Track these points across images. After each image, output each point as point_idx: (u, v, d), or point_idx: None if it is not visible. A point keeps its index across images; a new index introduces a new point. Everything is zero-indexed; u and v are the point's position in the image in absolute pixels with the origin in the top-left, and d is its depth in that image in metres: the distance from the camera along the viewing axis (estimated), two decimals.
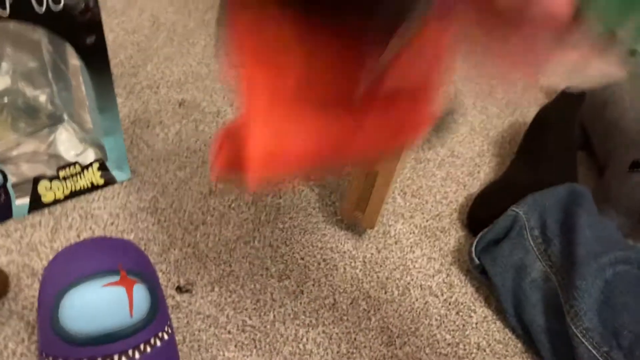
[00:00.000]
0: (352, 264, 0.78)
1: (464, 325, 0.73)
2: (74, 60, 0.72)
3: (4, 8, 0.61)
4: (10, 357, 0.61)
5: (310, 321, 0.70)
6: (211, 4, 1.20)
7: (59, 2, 0.64)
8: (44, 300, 0.52)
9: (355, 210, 0.77)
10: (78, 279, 0.51)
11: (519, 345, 0.72)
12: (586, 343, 0.63)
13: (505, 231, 0.74)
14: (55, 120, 0.84)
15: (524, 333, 0.71)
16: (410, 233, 0.83)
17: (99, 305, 0.50)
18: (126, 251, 0.55)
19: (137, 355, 0.51)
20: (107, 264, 0.52)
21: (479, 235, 0.75)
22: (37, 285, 0.68)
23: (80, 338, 0.49)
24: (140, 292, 0.52)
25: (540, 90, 1.17)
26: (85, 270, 0.51)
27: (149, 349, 0.52)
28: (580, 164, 0.96)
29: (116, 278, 0.51)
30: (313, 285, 0.74)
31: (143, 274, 0.53)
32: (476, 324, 0.74)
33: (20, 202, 0.74)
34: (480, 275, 0.76)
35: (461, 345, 0.71)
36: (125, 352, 0.51)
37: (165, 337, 0.54)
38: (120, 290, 0.51)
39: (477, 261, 0.74)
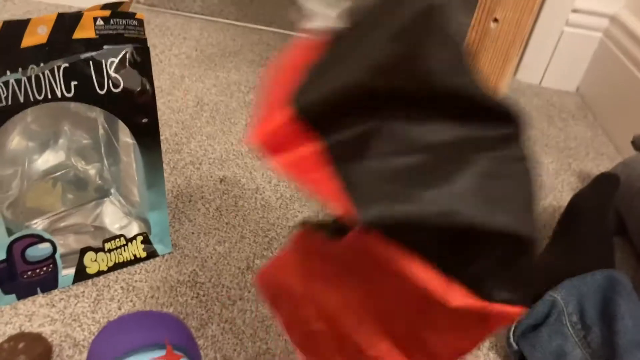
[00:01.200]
0: None
1: None
2: (126, 138, 0.77)
3: (69, 92, 0.66)
4: None
5: None
6: (252, 85, 1.26)
7: (119, 86, 0.69)
8: None
9: None
10: (126, 353, 0.52)
11: None
12: None
13: (544, 316, 0.73)
14: (102, 194, 0.87)
15: None
16: None
17: None
18: (171, 325, 0.56)
19: None
20: (154, 338, 0.53)
21: (517, 320, 0.75)
22: (78, 357, 0.69)
23: None
24: None
25: (573, 174, 1.19)
26: (132, 344, 0.52)
27: None
28: (617, 250, 0.95)
29: (162, 352, 0.52)
30: None
31: (187, 349, 0.54)
32: None
33: (66, 273, 0.76)
34: None
35: None
36: None
37: None
38: None
39: (515, 347, 0.73)
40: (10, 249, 0.70)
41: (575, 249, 0.86)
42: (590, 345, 0.71)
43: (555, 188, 1.13)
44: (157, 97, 1.14)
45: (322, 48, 0.38)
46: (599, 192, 0.93)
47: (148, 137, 0.74)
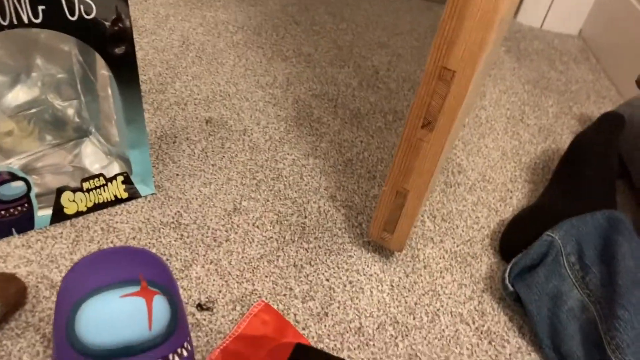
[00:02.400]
0: (379, 288, 0.75)
1: (496, 356, 0.69)
2: (103, 71, 0.72)
3: (37, 17, 0.61)
4: None
5: (335, 345, 0.67)
6: (240, 25, 1.20)
7: (91, 12, 0.64)
8: (60, 310, 0.49)
9: (383, 231, 0.75)
10: (96, 289, 0.48)
11: None
12: None
13: (541, 257, 0.71)
14: (81, 133, 0.83)
15: None
16: (440, 258, 0.80)
17: (117, 316, 0.47)
18: (148, 262, 0.52)
19: None
20: (128, 274, 0.50)
21: (512, 261, 0.72)
22: (54, 298, 0.66)
23: (96, 351, 0.47)
24: (160, 305, 0.49)
25: (574, 117, 1.14)
26: (104, 280, 0.49)
27: None
28: (618, 192, 0.92)
29: (136, 288, 0.49)
30: (338, 307, 0.71)
31: (164, 286, 0.51)
32: (509, 355, 0.70)
33: (43, 213, 0.73)
34: (514, 303, 0.72)
35: None
36: None
37: (185, 353, 0.51)
38: (140, 302, 0.49)
39: (510, 288, 0.70)
40: None
41: (576, 190, 0.83)
42: (588, 286, 0.68)
43: (555, 131, 1.09)
44: (140, 36, 1.09)
45: None
46: (603, 132, 0.89)
47: (125, 69, 0.69)
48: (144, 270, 0.51)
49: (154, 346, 0.49)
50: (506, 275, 0.71)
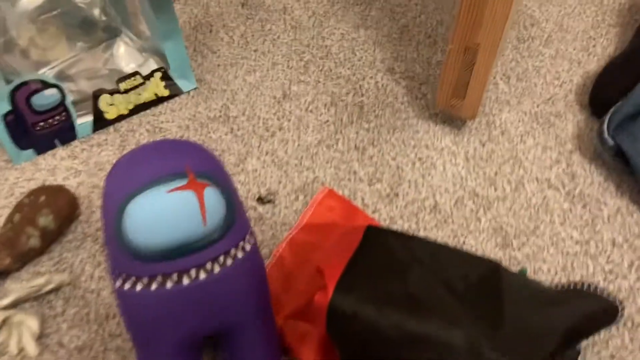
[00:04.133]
0: (453, 161, 0.67)
1: (593, 220, 0.62)
2: None
3: None
4: (87, 280, 0.57)
5: (410, 226, 0.61)
6: None
7: None
8: (107, 215, 0.45)
9: (452, 98, 0.66)
10: (140, 187, 0.43)
11: None
12: None
13: None
14: (111, 34, 0.77)
15: None
16: (519, 121, 0.71)
17: (166, 214, 0.43)
18: (193, 152, 0.47)
19: (216, 269, 0.44)
20: (172, 167, 0.44)
21: (611, 110, 0.62)
22: None
23: (150, 253, 0.43)
24: (212, 197, 0.44)
25: None
26: (148, 176, 0.44)
27: (229, 262, 0.45)
28: None
29: (183, 182, 0.44)
30: (409, 187, 0.65)
31: (215, 176, 0.46)
32: (608, 217, 0.62)
33: (83, 121, 0.68)
34: (612, 158, 0.63)
35: (592, 243, 0.60)
36: (203, 266, 0.44)
37: (248, 247, 0.47)
38: (189, 195, 0.43)
39: (611, 142, 0.61)
40: (13, 98, 0.62)
41: None
42: None
43: None
44: None
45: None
46: None
47: None
48: (189, 161, 0.46)
49: (212, 242, 0.44)
50: (604, 127, 0.62)
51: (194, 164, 0.46)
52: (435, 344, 0.40)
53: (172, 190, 0.43)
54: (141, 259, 0.43)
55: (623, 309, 0.46)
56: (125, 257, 0.44)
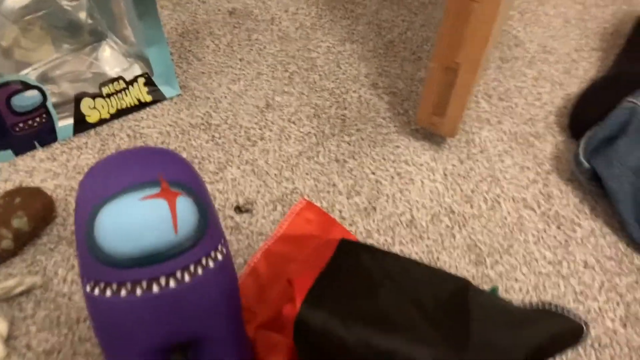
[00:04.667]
0: (431, 177, 0.68)
1: (566, 241, 0.63)
2: None
3: None
4: (60, 283, 0.57)
5: (385, 240, 0.62)
6: None
7: None
8: (79, 219, 0.45)
9: (433, 115, 0.67)
10: (113, 194, 0.43)
11: (636, 260, 0.61)
12: None
13: (621, 126, 0.61)
14: (97, 37, 0.77)
15: None
16: (499, 140, 0.72)
17: (138, 221, 0.43)
18: (167, 160, 0.47)
19: (186, 278, 0.44)
20: (146, 175, 0.45)
21: (587, 134, 0.63)
22: None
23: (120, 259, 0.43)
24: (185, 205, 0.44)
25: None
26: (121, 183, 0.44)
27: (200, 271, 0.45)
28: None
29: (156, 190, 0.44)
30: (387, 201, 0.65)
31: (188, 186, 0.46)
32: (582, 239, 0.63)
33: (64, 123, 0.68)
34: (587, 181, 0.64)
35: (565, 264, 0.61)
36: (173, 274, 0.44)
37: (220, 257, 0.47)
38: (162, 204, 0.43)
39: (586, 164, 0.62)
40: None
41: None
42: None
43: None
44: None
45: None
46: None
47: None
48: (164, 170, 0.46)
49: (183, 251, 0.44)
50: (580, 150, 0.63)
51: (168, 172, 0.46)
52: None
53: (144, 198, 0.43)
54: (111, 265, 0.43)
55: (588, 328, 0.46)
56: (95, 262, 0.44)
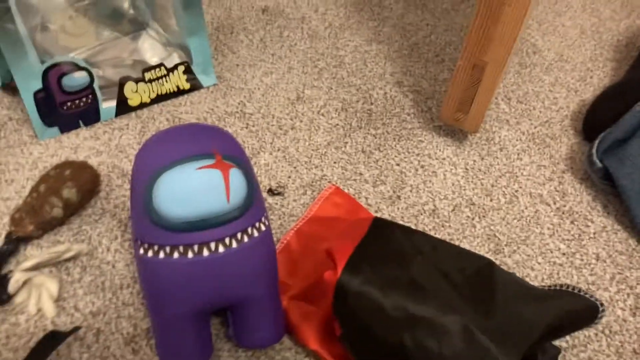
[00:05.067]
0: (453, 171, 0.71)
1: (580, 235, 0.66)
2: None
3: None
4: (104, 252, 0.60)
5: (409, 227, 0.65)
6: None
7: None
8: (136, 185, 0.49)
9: (457, 112, 0.71)
10: (172, 162, 0.47)
11: None
12: None
13: (634, 129, 0.65)
14: (138, 26, 0.81)
15: None
16: (517, 140, 0.76)
17: (194, 188, 0.46)
18: (220, 137, 0.51)
19: (234, 244, 0.48)
20: (202, 148, 0.48)
21: (601, 135, 0.67)
22: (127, 186, 0.66)
23: (175, 223, 0.46)
24: (237, 177, 0.48)
25: None
26: (179, 154, 0.48)
27: (246, 239, 0.49)
28: None
29: (212, 161, 0.48)
30: (411, 191, 0.69)
31: (239, 160, 0.50)
32: (594, 233, 0.67)
33: (107, 105, 0.72)
34: (600, 180, 0.68)
35: (577, 256, 0.64)
36: (222, 240, 0.47)
37: (263, 228, 0.50)
38: (216, 174, 0.47)
39: (599, 164, 0.66)
40: (45, 77, 0.66)
41: None
42: None
43: None
44: None
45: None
46: None
47: None
48: (217, 144, 0.50)
49: (233, 219, 0.48)
50: (594, 150, 0.66)
51: (221, 146, 0.50)
52: (433, 326, 0.44)
53: (201, 168, 0.47)
54: (167, 228, 0.47)
55: (603, 310, 0.50)
56: (151, 226, 0.47)
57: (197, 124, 0.52)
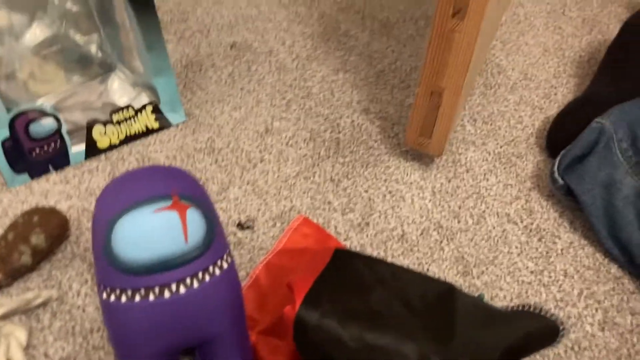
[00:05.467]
0: (421, 195, 0.72)
1: (547, 252, 0.67)
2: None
3: None
4: (75, 297, 0.60)
5: (378, 253, 0.66)
6: None
7: None
8: (96, 231, 0.50)
9: (420, 136, 0.72)
10: (129, 206, 0.48)
11: (613, 270, 0.65)
12: None
13: (591, 145, 0.66)
14: (106, 69, 0.82)
15: (621, 254, 0.64)
16: (483, 160, 0.77)
17: (151, 231, 0.47)
18: (178, 177, 0.52)
19: (195, 284, 0.48)
20: (159, 190, 0.49)
21: (561, 153, 0.68)
22: None
23: (135, 267, 0.47)
24: (194, 217, 0.49)
25: (621, 4, 1.06)
26: (136, 197, 0.49)
27: (207, 278, 0.49)
28: None
29: (168, 203, 0.48)
30: (379, 217, 0.70)
31: (196, 199, 0.50)
32: (561, 250, 0.67)
33: (77, 149, 0.73)
34: (564, 197, 0.69)
35: (546, 273, 0.65)
36: (183, 281, 0.48)
37: (225, 265, 0.51)
38: (173, 215, 0.48)
39: (560, 181, 0.67)
40: (12, 125, 0.67)
41: (626, 77, 0.77)
42: None
43: (601, 22, 1.01)
44: None
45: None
46: None
47: None
48: (174, 185, 0.50)
49: (193, 259, 0.48)
50: (555, 168, 0.68)
51: (178, 187, 0.50)
52: (391, 355, 0.44)
53: (157, 210, 0.48)
54: (127, 272, 0.47)
55: (564, 329, 0.50)
56: (111, 270, 0.48)
57: (155, 166, 0.53)
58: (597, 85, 0.79)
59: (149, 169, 0.52)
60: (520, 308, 0.53)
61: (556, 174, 0.67)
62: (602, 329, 0.61)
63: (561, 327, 0.50)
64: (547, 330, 0.49)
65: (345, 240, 0.67)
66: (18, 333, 0.56)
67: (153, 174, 0.52)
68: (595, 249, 0.67)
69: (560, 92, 0.87)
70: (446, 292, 0.50)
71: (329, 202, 0.71)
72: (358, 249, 0.66)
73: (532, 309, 0.52)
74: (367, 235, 0.68)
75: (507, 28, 0.99)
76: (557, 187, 0.68)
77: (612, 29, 1.00)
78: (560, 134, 0.74)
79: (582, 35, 0.98)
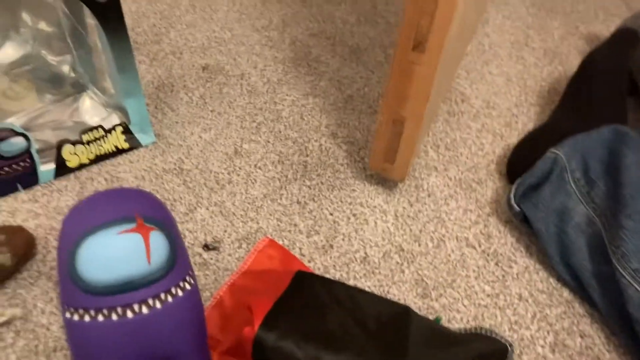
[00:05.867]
0: (384, 218, 0.75)
1: (503, 276, 0.70)
2: (90, 20, 0.72)
3: None
4: (39, 315, 0.61)
5: (341, 275, 0.68)
6: None
7: None
8: (61, 252, 0.51)
9: (384, 162, 0.74)
10: (93, 228, 0.49)
11: (565, 294, 0.68)
12: (635, 285, 0.58)
13: (545, 174, 0.70)
14: (79, 88, 0.83)
15: (572, 279, 0.67)
16: (445, 186, 0.79)
17: (115, 253, 0.48)
18: (142, 200, 0.53)
19: (157, 305, 0.50)
20: (123, 212, 0.51)
21: (517, 181, 0.71)
22: None
23: (98, 287, 0.48)
24: (157, 239, 0.50)
25: (581, 37, 1.11)
26: (100, 219, 0.50)
27: (170, 299, 0.50)
28: (629, 110, 0.90)
29: (132, 225, 0.50)
30: (343, 239, 0.72)
31: (160, 222, 0.52)
32: (517, 274, 0.70)
33: (46, 168, 0.74)
34: (520, 223, 0.72)
35: (501, 296, 0.68)
36: (145, 301, 0.49)
37: (188, 287, 0.52)
38: (137, 237, 0.49)
39: (517, 208, 0.70)
40: None
41: (585, 108, 0.81)
42: (594, 200, 0.67)
43: (562, 53, 1.06)
44: None
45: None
46: (617, 48, 0.86)
47: (111, 17, 0.68)
48: (139, 208, 0.52)
49: (155, 280, 0.50)
50: (512, 195, 0.70)
51: (143, 210, 0.52)
52: None
53: (121, 232, 0.49)
54: (90, 292, 0.48)
55: (512, 351, 0.52)
56: (75, 290, 0.49)
57: (121, 189, 0.54)
58: (557, 115, 0.83)
59: (115, 191, 0.54)
60: (473, 330, 0.55)
61: (512, 201, 0.70)
62: (553, 351, 0.63)
63: (510, 349, 0.52)
64: (498, 352, 0.52)
65: (309, 262, 0.69)
66: None
67: (119, 196, 0.53)
68: (549, 274, 0.70)
69: (521, 121, 0.90)
70: (402, 314, 0.52)
71: (295, 224, 0.73)
72: (321, 270, 0.68)
73: (482, 331, 0.54)
74: (330, 258, 0.69)
75: (472, 57, 1.03)
76: (514, 214, 0.71)
77: (572, 60, 1.05)
78: (519, 162, 0.77)
79: (543, 65, 1.02)
